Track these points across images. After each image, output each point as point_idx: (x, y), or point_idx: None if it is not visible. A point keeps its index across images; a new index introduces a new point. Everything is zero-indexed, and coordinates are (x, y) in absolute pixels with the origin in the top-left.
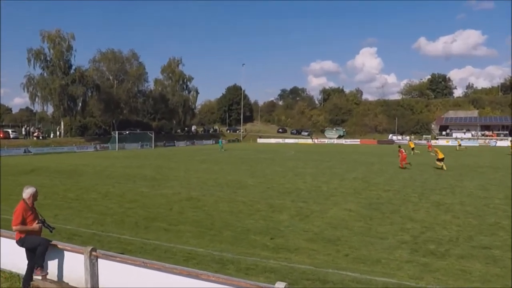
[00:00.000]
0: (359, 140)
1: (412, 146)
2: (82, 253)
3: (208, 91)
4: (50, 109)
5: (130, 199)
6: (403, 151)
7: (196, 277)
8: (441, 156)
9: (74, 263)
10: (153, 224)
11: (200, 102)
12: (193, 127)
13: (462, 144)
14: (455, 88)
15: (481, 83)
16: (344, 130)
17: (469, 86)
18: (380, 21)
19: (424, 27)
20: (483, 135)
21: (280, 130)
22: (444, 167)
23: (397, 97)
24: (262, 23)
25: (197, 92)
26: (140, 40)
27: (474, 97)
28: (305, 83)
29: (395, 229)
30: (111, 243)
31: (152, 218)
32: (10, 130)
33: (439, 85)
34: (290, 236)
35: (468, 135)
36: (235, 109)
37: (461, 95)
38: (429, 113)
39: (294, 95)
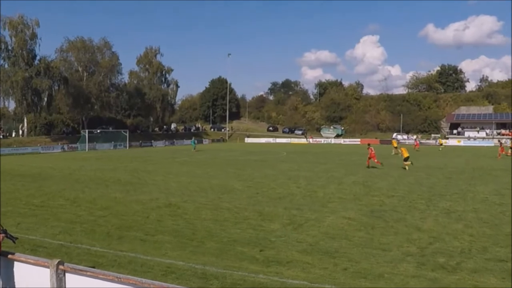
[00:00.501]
0: (359, 139)
1: (395, 145)
2: (47, 267)
3: (189, 84)
4: (12, 105)
5: (102, 206)
6: (372, 149)
7: None
8: (406, 155)
9: (38, 278)
10: (128, 234)
11: (180, 97)
12: (173, 125)
13: (442, 144)
14: (468, 81)
15: (497, 75)
16: (342, 128)
17: (483, 79)
18: (383, 5)
19: (432, 12)
20: (498, 133)
21: (271, 128)
22: (407, 168)
23: (402, 91)
24: (250, 8)
25: (177, 86)
26: (113, 27)
27: (489, 91)
28: (298, 75)
29: (400, 239)
30: (80, 256)
31: (126, 227)
32: None
33: (449, 78)
34: (282, 248)
35: (482, 133)
36: (220, 104)
37: (474, 89)
38: (438, 109)
39: (286, 89)
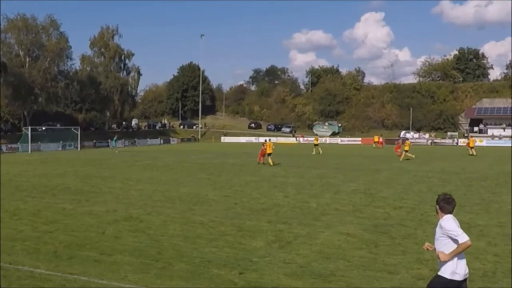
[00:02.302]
0: (360, 138)
1: (316, 142)
2: None
3: (154, 72)
4: None
5: (47, 219)
6: (265, 145)
7: None
8: (269, 151)
9: None
10: (79, 253)
11: (143, 87)
12: (134, 121)
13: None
14: (491, 67)
15: None
16: (339, 125)
17: (511, 65)
18: None
19: None
20: None
21: (253, 125)
22: (270, 163)
23: (412, 80)
24: None
25: (139, 74)
26: (62, 3)
27: None
28: (286, 61)
29: (409, 260)
30: (21, 279)
31: (77, 245)
32: None
33: (469, 64)
34: (266, 270)
35: (510, 131)
36: (191, 96)
37: (499, 77)
38: (455, 102)
39: (271, 77)
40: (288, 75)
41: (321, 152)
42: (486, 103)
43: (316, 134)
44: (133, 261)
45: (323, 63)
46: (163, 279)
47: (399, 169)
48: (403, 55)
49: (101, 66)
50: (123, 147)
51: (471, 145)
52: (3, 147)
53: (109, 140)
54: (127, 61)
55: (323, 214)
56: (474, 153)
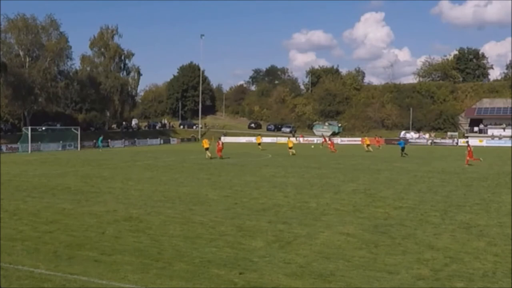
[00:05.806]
0: (360, 138)
1: (259, 141)
2: None
3: (154, 72)
4: None
5: (47, 219)
6: (220, 142)
7: None
8: (205, 146)
9: None
10: (79, 253)
11: (143, 87)
12: (134, 121)
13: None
14: (491, 67)
15: None
16: (339, 125)
17: (511, 65)
18: None
19: None
20: None
21: (253, 125)
22: (208, 155)
23: (412, 80)
24: None
25: (139, 74)
26: (62, 3)
27: None
28: (286, 61)
29: (409, 260)
30: (21, 279)
31: (77, 245)
32: None
33: (469, 64)
34: (266, 270)
35: (509, 131)
36: (191, 96)
37: (499, 77)
38: (455, 102)
39: (271, 77)
40: (288, 75)
41: (263, 150)
42: (486, 103)
43: (316, 134)
44: (133, 261)
45: (323, 63)
46: (163, 279)
47: (399, 169)
48: (403, 55)
49: (101, 66)
50: (123, 147)
51: (366, 142)
52: (3, 147)
53: (109, 140)
54: (127, 61)
55: (323, 214)
56: (371, 150)
